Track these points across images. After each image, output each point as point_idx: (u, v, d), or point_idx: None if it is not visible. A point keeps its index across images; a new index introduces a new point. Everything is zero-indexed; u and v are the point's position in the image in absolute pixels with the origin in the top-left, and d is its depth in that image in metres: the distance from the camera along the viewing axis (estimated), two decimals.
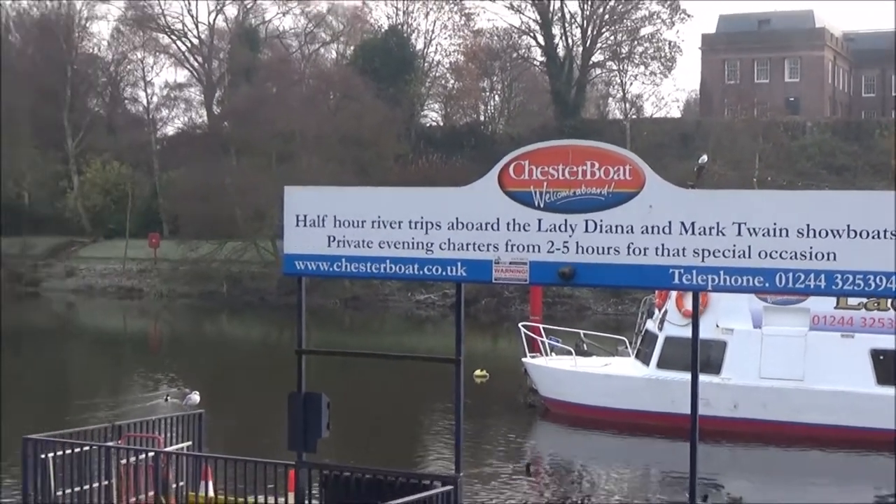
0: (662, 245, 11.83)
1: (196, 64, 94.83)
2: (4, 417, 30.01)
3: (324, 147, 72.74)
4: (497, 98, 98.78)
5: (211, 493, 14.76)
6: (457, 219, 12.65)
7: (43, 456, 14.38)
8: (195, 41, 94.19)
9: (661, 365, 30.20)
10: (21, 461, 14.66)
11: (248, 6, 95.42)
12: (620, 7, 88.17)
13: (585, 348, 34.71)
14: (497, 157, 13.01)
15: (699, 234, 11.66)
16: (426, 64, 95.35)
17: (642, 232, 11.89)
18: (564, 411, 32.04)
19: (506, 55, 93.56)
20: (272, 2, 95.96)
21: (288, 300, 56.58)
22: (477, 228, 12.54)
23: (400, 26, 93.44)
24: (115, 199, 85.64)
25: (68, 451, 14.53)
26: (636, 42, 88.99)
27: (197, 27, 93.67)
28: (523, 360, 33.79)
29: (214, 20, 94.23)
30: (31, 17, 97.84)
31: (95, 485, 14.68)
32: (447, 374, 13.07)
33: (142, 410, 30.21)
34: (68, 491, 14.50)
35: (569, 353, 33.76)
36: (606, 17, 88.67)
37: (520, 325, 35.34)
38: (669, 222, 11.78)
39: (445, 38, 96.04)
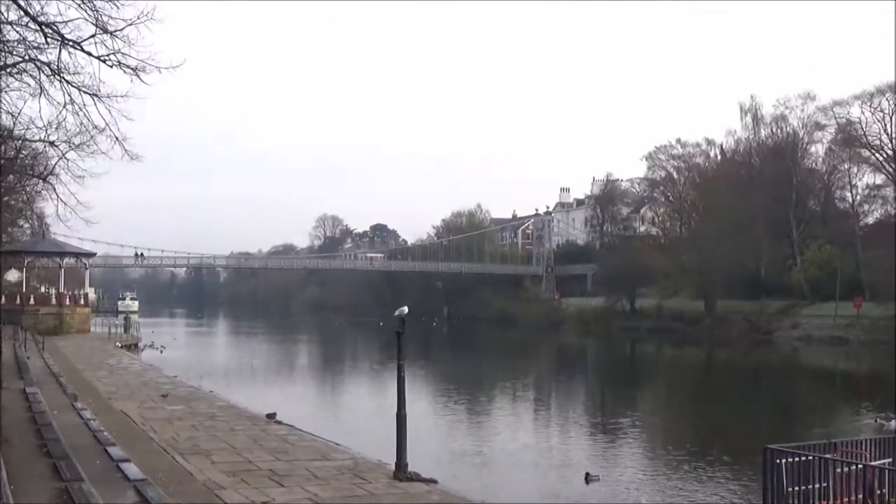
0: None
1: (891, 169, 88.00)
2: (751, 432, 29.68)
3: None
4: None
5: None
6: None
7: (778, 461, 13.97)
8: (890, 152, 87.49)
9: None
10: (761, 465, 14.36)
11: None
12: None
13: None
14: None
15: None
16: None
17: None
18: None
19: None
20: None
21: None
22: None
23: None
24: (828, 273, 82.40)
25: (796, 459, 13.96)
26: None
27: (892, 142, 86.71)
28: None
29: None
30: (767, 146, 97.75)
31: (816, 485, 13.92)
32: None
33: (850, 430, 28.33)
34: (795, 488, 13.90)
35: None
36: None
37: None
38: None
39: None
